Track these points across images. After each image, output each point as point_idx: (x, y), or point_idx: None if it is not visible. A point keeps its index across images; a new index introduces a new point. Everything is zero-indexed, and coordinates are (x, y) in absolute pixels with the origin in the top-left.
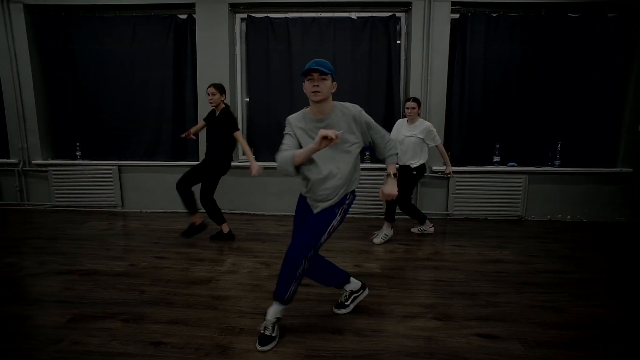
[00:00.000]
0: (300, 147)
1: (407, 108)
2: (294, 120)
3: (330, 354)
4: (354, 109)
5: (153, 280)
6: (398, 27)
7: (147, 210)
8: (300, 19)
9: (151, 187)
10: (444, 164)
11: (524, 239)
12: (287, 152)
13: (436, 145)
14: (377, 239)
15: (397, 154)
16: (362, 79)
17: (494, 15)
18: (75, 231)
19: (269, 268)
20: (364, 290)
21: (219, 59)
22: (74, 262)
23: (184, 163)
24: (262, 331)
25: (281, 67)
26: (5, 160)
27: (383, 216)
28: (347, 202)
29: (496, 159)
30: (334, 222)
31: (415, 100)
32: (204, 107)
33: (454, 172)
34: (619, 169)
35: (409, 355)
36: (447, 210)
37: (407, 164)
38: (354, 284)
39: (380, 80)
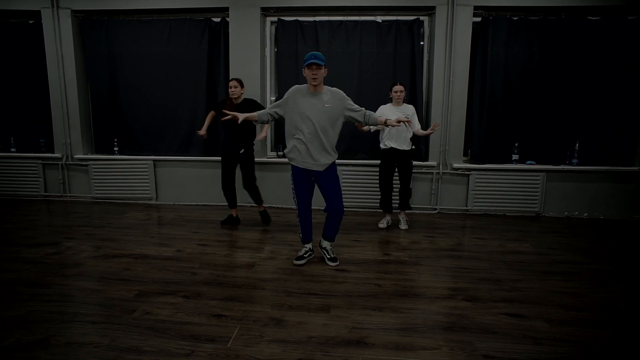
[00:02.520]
0: (277, 115)
1: (396, 92)
2: (296, 91)
3: (374, 326)
4: (340, 93)
5: (201, 264)
6: (422, 30)
7: (180, 203)
8: (329, 22)
9: (184, 181)
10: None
11: (542, 233)
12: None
13: (414, 132)
14: (404, 225)
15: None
16: (387, 79)
17: (515, 18)
18: (118, 221)
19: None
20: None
21: (251, 60)
22: (125, 247)
23: (215, 158)
24: (328, 255)
25: None
26: (50, 154)
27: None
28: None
29: (515, 157)
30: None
31: (402, 84)
32: None
33: (473, 169)
34: (637, 168)
35: (445, 329)
36: (467, 206)
37: (406, 148)
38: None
39: (403, 81)
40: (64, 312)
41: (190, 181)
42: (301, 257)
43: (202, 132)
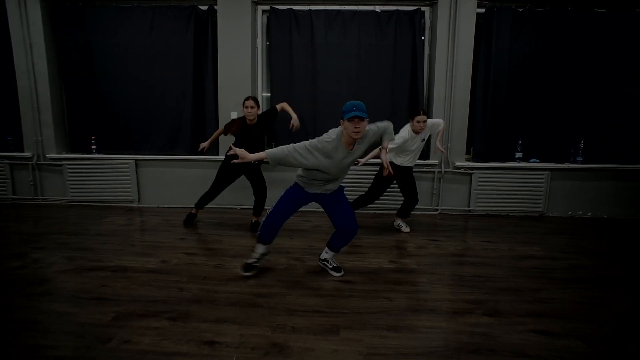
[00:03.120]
0: (300, 165)
1: (419, 122)
2: (331, 148)
3: (391, 351)
4: (379, 129)
5: (189, 277)
6: (423, 21)
7: (165, 206)
8: (324, 12)
9: (169, 182)
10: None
11: (550, 235)
12: None
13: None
14: (406, 228)
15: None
16: (386, 73)
17: (520, 10)
18: (96, 227)
19: (304, 264)
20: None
21: (241, 52)
22: (102, 258)
23: (203, 157)
24: (330, 265)
25: (304, 60)
26: (19, 153)
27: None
28: None
29: (518, 155)
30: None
31: (425, 113)
32: (225, 101)
33: (475, 168)
34: None
35: (471, 352)
36: (469, 206)
37: (411, 165)
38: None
39: (404, 75)
40: (24, 344)
41: (175, 182)
42: (252, 267)
43: (205, 145)
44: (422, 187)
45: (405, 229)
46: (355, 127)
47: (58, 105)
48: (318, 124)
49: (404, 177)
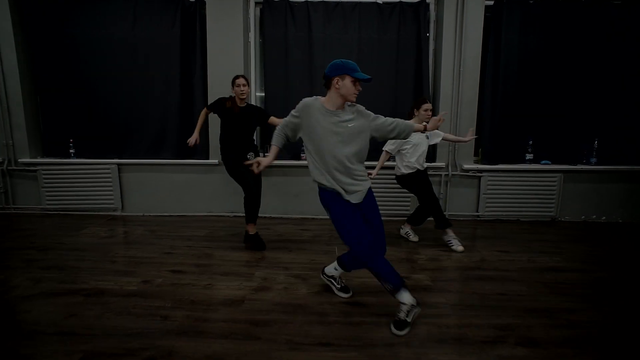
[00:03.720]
0: (293, 134)
1: (427, 110)
2: (310, 102)
3: None
4: (360, 106)
5: (175, 302)
6: (428, 14)
7: (151, 214)
8: (323, 3)
9: (155, 189)
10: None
11: (567, 242)
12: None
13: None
14: (414, 237)
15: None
16: (389, 70)
17: (531, 1)
18: (71, 239)
19: (306, 283)
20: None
21: (232, 47)
22: (76, 279)
23: (192, 161)
24: (337, 285)
25: (301, 56)
26: None
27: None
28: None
29: (529, 156)
30: None
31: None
32: (214, 99)
33: (484, 170)
34: None
35: None
36: (477, 211)
37: (425, 167)
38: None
39: (408, 71)
40: None
41: (162, 188)
42: (406, 323)
43: (194, 137)
44: None
45: (414, 237)
46: (358, 89)
47: (31, 105)
48: None
49: (421, 180)
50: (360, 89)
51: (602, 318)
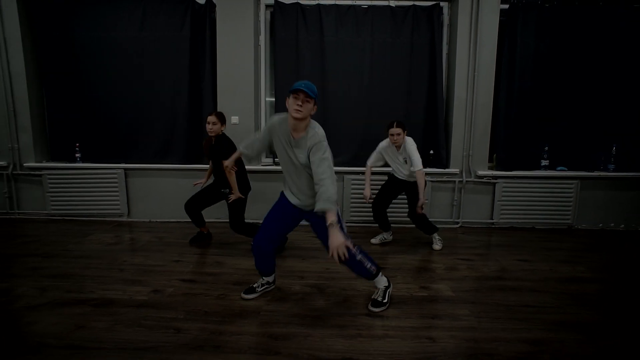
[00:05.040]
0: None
1: (393, 135)
2: (277, 120)
3: None
4: (316, 138)
5: (187, 313)
6: (442, 18)
7: (158, 220)
8: (335, 7)
9: (162, 194)
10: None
11: (587, 251)
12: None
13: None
14: (437, 245)
15: (329, 198)
16: (402, 75)
17: (547, 5)
18: (77, 246)
19: (323, 294)
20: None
21: (242, 50)
22: (83, 287)
23: (199, 166)
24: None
25: (312, 60)
26: None
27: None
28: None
29: (544, 162)
30: None
31: (400, 124)
32: (224, 104)
33: (499, 177)
34: None
35: None
36: (492, 219)
37: (410, 180)
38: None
39: (421, 76)
40: None
41: (169, 194)
42: (253, 290)
43: (202, 181)
44: (442, 198)
45: (436, 245)
46: (297, 104)
47: (37, 108)
48: (327, 130)
49: (406, 191)
50: (300, 104)
51: (635, 332)
